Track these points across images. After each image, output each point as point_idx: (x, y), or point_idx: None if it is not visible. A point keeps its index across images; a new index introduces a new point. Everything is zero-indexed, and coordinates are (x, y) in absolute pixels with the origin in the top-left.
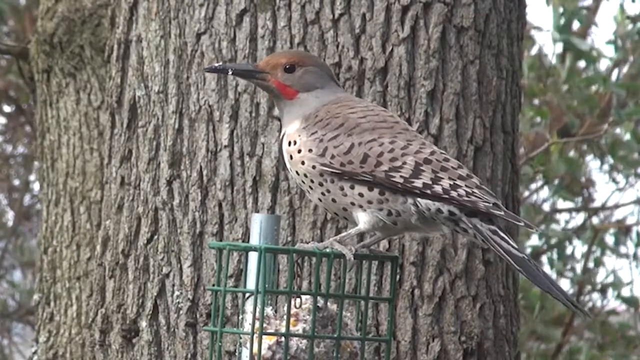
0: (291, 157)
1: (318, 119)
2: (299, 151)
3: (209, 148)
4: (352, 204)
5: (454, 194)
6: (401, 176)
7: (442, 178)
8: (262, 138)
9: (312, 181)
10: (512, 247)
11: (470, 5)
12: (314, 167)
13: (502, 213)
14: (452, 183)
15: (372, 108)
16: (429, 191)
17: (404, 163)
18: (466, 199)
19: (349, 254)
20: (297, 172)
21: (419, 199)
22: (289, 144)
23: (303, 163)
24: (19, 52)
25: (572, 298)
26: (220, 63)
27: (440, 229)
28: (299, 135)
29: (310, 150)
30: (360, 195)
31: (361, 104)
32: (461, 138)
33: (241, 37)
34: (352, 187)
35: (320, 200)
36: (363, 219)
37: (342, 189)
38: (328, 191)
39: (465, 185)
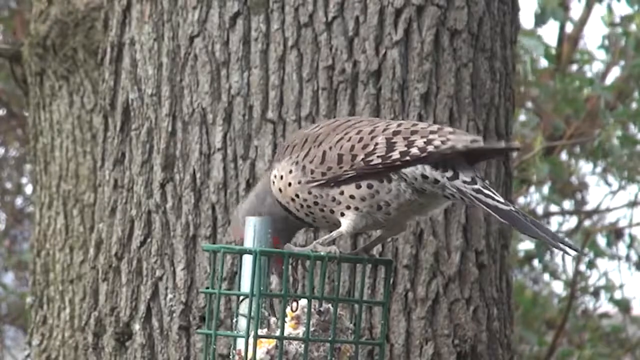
0: (281, 190)
1: (283, 148)
2: (282, 177)
3: (202, 151)
4: (348, 207)
5: (430, 148)
6: (378, 156)
7: (415, 140)
8: (255, 141)
9: (305, 200)
10: (498, 202)
11: (464, 8)
12: (299, 182)
13: (480, 144)
14: (425, 140)
15: (323, 120)
16: (407, 157)
17: (376, 144)
18: (443, 147)
19: (333, 253)
20: (292, 199)
21: (403, 172)
22: (274, 182)
23: (290, 185)
24: (12, 54)
25: (566, 240)
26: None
27: (442, 201)
28: (277, 168)
29: (290, 172)
30: (352, 197)
31: (312, 124)
32: None
33: (234, 39)
34: (341, 193)
35: (325, 219)
36: (345, 222)
37: (333, 199)
38: (325, 206)
39: (439, 136)
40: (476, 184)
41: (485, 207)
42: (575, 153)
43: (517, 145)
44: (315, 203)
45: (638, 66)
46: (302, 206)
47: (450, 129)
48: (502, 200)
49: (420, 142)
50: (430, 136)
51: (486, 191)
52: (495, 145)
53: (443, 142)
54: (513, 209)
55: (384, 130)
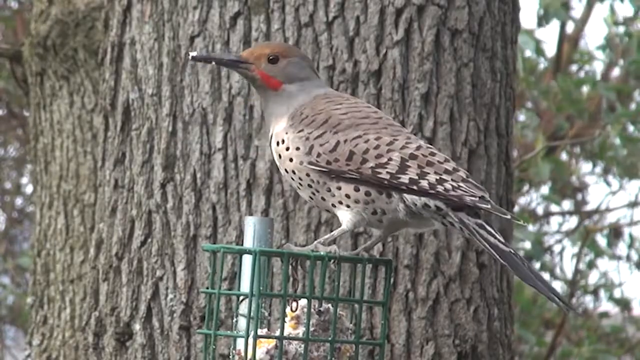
0: (280, 156)
1: (304, 116)
2: (287, 149)
3: (203, 151)
4: (340, 202)
5: (440, 188)
6: (387, 172)
7: (428, 173)
8: (256, 141)
9: (300, 179)
10: (499, 241)
11: (465, 8)
12: (301, 163)
13: (489, 206)
14: (438, 178)
15: (355, 104)
16: (415, 187)
17: (390, 159)
18: (452, 193)
19: (333, 253)
20: (286, 170)
21: (405, 195)
22: (277, 143)
23: (291, 160)
24: (13, 54)
25: (560, 294)
26: (205, 52)
27: (432, 224)
28: (286, 133)
29: (297, 149)
30: (347, 196)
31: (347, 101)
32: (455, 141)
33: (235, 39)
34: (339, 188)
35: (311, 199)
36: (345, 219)
37: (329, 189)
38: (317, 191)
39: (452, 180)
40: (479, 218)
41: (485, 243)
42: (576, 153)
43: (521, 221)
44: (310, 186)
45: (636, 62)
46: (293, 180)
47: (464, 174)
48: (503, 240)
49: (432, 178)
50: (444, 176)
51: (488, 227)
52: (500, 213)
53: (453, 188)
54: (512, 251)
55: (402, 147)
